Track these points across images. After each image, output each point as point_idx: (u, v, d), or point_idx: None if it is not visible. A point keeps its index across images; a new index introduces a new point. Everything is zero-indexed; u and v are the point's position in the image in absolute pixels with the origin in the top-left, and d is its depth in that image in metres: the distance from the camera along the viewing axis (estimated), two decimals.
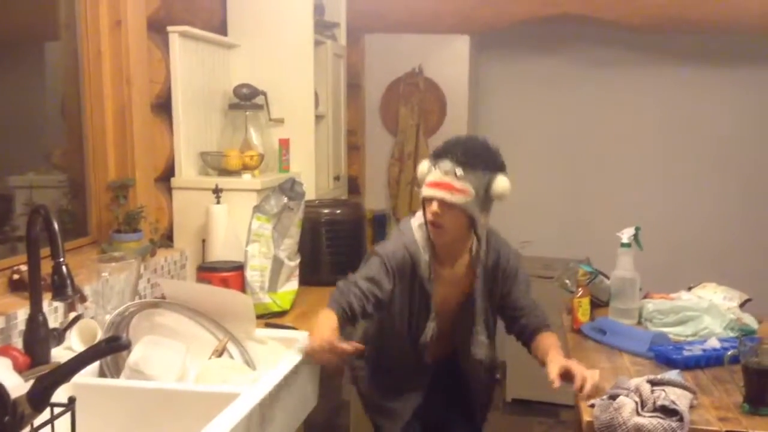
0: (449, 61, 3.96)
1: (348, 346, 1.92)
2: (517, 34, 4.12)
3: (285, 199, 2.45)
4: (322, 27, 3.46)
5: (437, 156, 2.01)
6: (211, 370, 1.92)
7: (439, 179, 1.98)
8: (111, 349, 1.24)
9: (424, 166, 2.06)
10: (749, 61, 4.18)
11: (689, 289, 2.60)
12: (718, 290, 2.49)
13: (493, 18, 3.88)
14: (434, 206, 2.00)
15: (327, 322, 2.00)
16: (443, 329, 2.20)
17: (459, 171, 1.95)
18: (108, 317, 2.04)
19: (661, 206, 4.19)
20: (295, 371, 2.00)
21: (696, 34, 4.02)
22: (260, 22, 3.15)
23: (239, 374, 1.92)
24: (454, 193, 1.96)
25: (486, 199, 2.00)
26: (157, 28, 2.64)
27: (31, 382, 1.14)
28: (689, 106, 4.26)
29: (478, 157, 1.98)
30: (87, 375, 1.83)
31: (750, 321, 2.29)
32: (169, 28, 2.68)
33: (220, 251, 2.67)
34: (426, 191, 2.02)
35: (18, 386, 1.42)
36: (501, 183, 1.99)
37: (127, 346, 1.26)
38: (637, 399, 1.66)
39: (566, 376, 1.88)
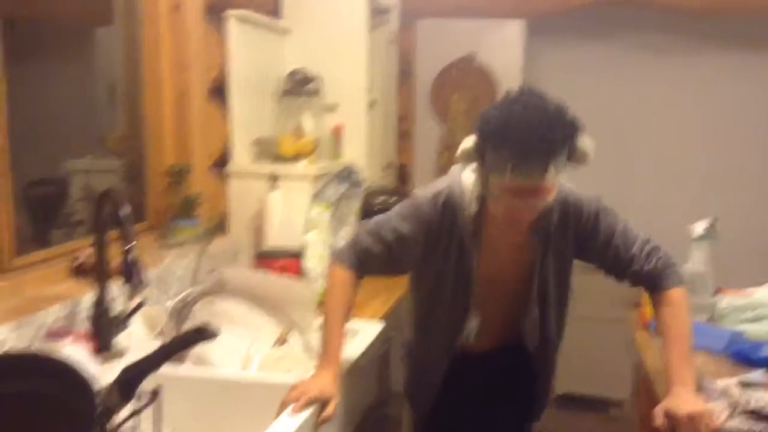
0: (502, 48, 3.85)
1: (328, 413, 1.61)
2: (574, 20, 4.00)
3: (344, 187, 2.41)
4: (375, 11, 3.39)
5: (513, 155, 1.52)
6: (274, 359, 1.88)
7: (523, 185, 1.54)
8: (200, 338, 1.20)
9: (495, 161, 1.55)
10: None
11: (761, 284, 2.50)
12: None
13: (550, 3, 3.78)
14: (521, 213, 1.63)
15: (329, 374, 1.66)
16: (495, 312, 1.85)
17: (548, 174, 1.53)
18: (169, 303, 2.02)
19: (722, 198, 4.03)
20: (358, 361, 1.96)
21: (761, 17, 3.86)
22: (314, 7, 3.11)
23: (302, 364, 1.88)
24: (546, 195, 1.57)
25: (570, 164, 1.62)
26: (214, 12, 2.60)
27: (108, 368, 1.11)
28: (753, 93, 4.09)
29: (556, 139, 1.53)
30: None
31: None
32: (227, 12, 2.64)
33: (276, 238, 2.63)
34: (511, 201, 1.58)
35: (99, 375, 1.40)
36: (586, 148, 1.60)
37: (215, 335, 1.22)
38: (728, 403, 1.58)
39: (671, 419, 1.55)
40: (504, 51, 3.84)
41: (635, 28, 4.06)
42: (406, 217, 1.75)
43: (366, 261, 1.79)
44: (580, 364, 3.77)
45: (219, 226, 2.64)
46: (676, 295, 1.72)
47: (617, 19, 4.04)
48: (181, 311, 1.97)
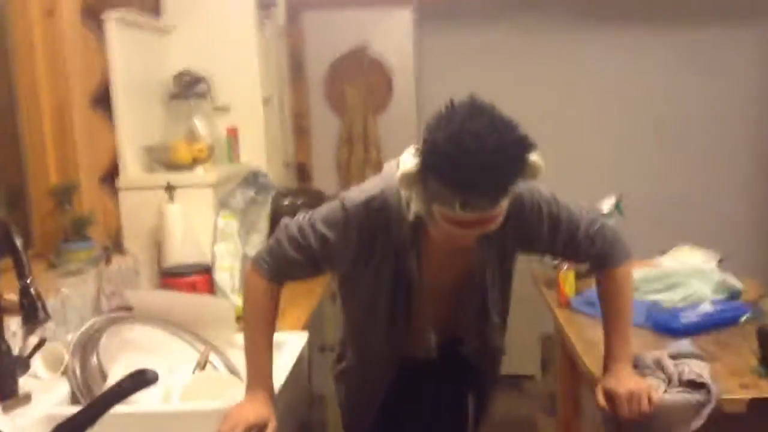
0: (393, 36, 3.82)
1: None
2: (459, 4, 4.02)
3: (251, 193, 2.29)
4: (261, 5, 3.26)
5: (463, 191, 1.39)
6: (198, 386, 1.76)
7: (472, 218, 1.43)
8: (140, 385, 1.07)
9: (443, 197, 1.41)
10: (700, 19, 4.21)
11: (662, 253, 2.59)
12: (695, 252, 2.48)
13: None
14: (464, 240, 1.55)
15: (262, 396, 1.58)
16: (438, 318, 1.78)
17: (499, 205, 1.45)
18: (70, 337, 1.85)
19: (618, 171, 4.18)
20: (289, 378, 1.87)
21: None
22: (197, 2, 2.95)
23: (229, 386, 1.77)
24: (494, 221, 1.48)
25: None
26: (92, 15, 2.41)
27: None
28: (649, 69, 4.26)
29: (509, 170, 1.43)
30: (58, 403, 1.65)
31: (734, 281, 2.29)
32: (105, 14, 2.44)
33: (179, 254, 2.47)
34: (453, 230, 1.47)
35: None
36: (535, 166, 1.51)
37: (156, 380, 1.09)
38: (663, 376, 1.61)
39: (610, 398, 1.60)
40: (395, 40, 3.82)
41: (521, 10, 4.12)
42: (333, 225, 1.59)
43: (288, 270, 1.64)
44: None
45: (116, 246, 2.46)
46: (619, 272, 1.71)
47: (503, 1, 4.09)
48: (85, 345, 1.79)
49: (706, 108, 4.31)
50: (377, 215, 1.59)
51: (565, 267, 2.30)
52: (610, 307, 1.70)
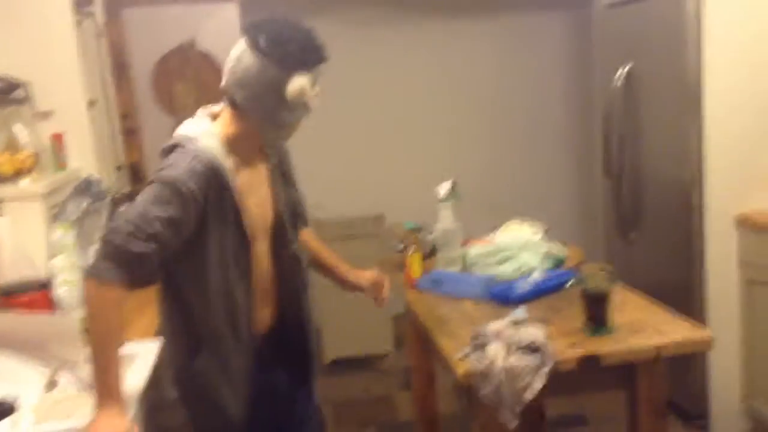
0: (220, 31, 3.76)
1: None
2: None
3: (86, 201, 2.20)
4: (78, 4, 3.10)
5: (316, 63, 1.68)
6: (49, 406, 1.68)
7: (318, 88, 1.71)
8: None
9: (304, 82, 1.65)
10: (507, 7, 4.51)
11: (494, 229, 2.78)
12: (524, 226, 2.68)
13: None
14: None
15: (116, 410, 1.53)
16: (262, 275, 1.81)
17: None
18: None
19: (451, 158, 4.40)
20: (146, 388, 1.84)
21: None
22: (6, 6, 2.75)
23: (81, 404, 1.71)
24: None
25: None
26: None
27: None
28: (456, 56, 4.50)
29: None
30: None
31: (558, 250, 2.51)
32: None
33: (10, 271, 2.33)
34: (315, 103, 1.70)
35: None
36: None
37: (11, 412, 1.04)
38: (502, 343, 1.75)
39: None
40: (223, 34, 3.74)
41: (346, 4, 4.21)
42: (169, 200, 1.56)
43: (140, 266, 1.54)
44: (342, 328, 3.93)
45: None
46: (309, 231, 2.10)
47: None
48: None
49: (521, 91, 4.65)
50: (206, 174, 1.61)
51: (412, 250, 2.42)
52: (326, 250, 2.14)
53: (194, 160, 1.62)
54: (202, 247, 1.67)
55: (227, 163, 1.68)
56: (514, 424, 1.74)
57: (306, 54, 1.67)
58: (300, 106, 1.68)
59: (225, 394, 1.77)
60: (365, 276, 2.14)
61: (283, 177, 1.90)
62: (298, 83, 1.64)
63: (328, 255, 2.15)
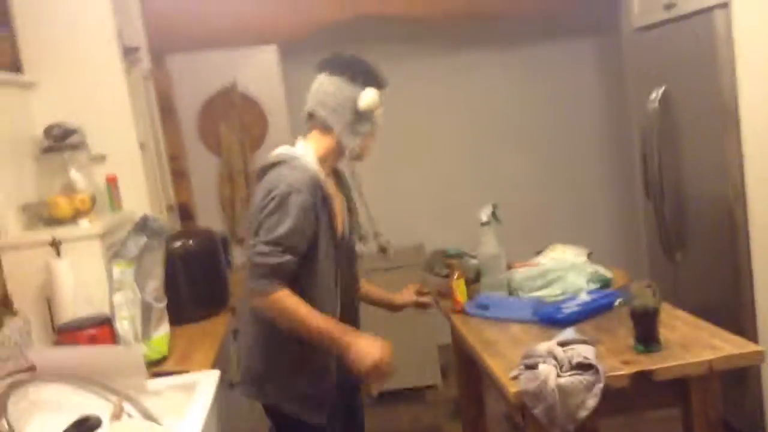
0: (261, 73, 3.90)
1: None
2: (320, 40, 4.15)
3: (144, 239, 2.29)
4: (125, 51, 3.25)
5: (381, 84, 2.10)
6: None
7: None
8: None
9: (373, 94, 2.06)
10: (531, 40, 4.58)
11: (537, 253, 2.80)
12: (566, 249, 2.71)
13: (296, 25, 3.90)
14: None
15: (359, 334, 1.99)
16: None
17: None
18: None
19: (485, 185, 4.45)
20: (207, 415, 1.89)
21: (483, 22, 4.34)
22: (60, 55, 2.89)
23: (150, 431, 1.77)
24: None
25: None
26: None
27: None
28: (487, 88, 4.58)
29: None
30: None
31: (604, 272, 2.53)
32: None
33: (71, 308, 2.42)
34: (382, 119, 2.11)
35: None
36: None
37: (99, 425, 1.11)
38: (554, 362, 1.77)
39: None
40: (263, 76, 3.90)
41: (376, 41, 4.32)
42: (289, 213, 1.91)
43: (283, 271, 1.93)
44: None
45: (5, 308, 2.37)
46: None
47: (357, 34, 4.27)
48: None
49: (555, 118, 4.69)
50: (310, 184, 1.96)
51: (456, 275, 2.45)
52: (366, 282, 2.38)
53: (304, 173, 1.97)
54: (315, 248, 2.00)
55: (322, 175, 2.02)
56: None
57: (372, 73, 2.07)
58: (371, 117, 2.06)
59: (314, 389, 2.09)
60: (407, 292, 2.50)
61: (348, 202, 2.22)
62: (368, 95, 2.03)
63: (373, 287, 2.42)
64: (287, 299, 1.92)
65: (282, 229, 1.91)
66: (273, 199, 1.93)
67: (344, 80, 2.03)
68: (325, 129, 2.06)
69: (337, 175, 2.21)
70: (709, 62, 2.96)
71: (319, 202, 1.98)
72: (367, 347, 1.92)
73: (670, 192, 3.41)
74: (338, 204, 2.12)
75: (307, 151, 2.05)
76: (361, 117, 2.04)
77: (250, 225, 2.01)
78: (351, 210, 2.22)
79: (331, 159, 2.10)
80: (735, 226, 2.96)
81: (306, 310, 1.93)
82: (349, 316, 2.15)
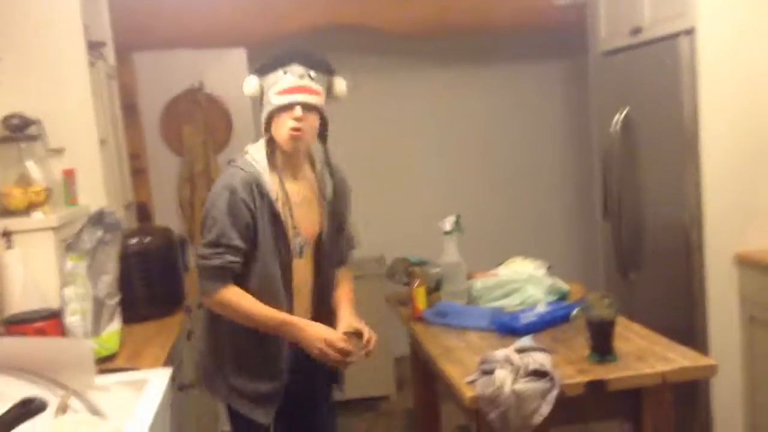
0: (227, 76, 3.86)
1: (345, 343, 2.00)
2: (285, 45, 4.16)
3: (99, 233, 2.24)
4: (90, 46, 3.20)
5: (282, 63, 2.00)
6: (62, 430, 1.69)
7: (294, 84, 1.98)
8: (27, 414, 1.04)
9: (249, 81, 2.06)
10: (502, 58, 4.64)
11: (498, 265, 2.82)
12: (527, 262, 2.73)
13: (268, 30, 3.88)
14: (297, 111, 1.98)
15: (307, 323, 2.02)
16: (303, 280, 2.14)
17: (312, 73, 2.01)
18: None
19: (447, 197, 4.45)
20: (156, 414, 1.84)
21: (455, 38, 4.37)
22: (23, 45, 2.83)
23: (95, 428, 1.72)
24: (312, 94, 2.01)
25: (328, 100, 2.12)
26: None
27: None
28: (455, 102, 4.62)
29: (321, 61, 2.06)
30: None
31: (562, 284, 2.55)
32: None
33: (21, 301, 2.35)
34: (285, 98, 1.98)
35: None
36: (341, 83, 2.12)
37: (44, 407, 1.07)
38: (511, 368, 1.77)
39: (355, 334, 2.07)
40: (230, 79, 3.86)
41: (352, 51, 4.32)
42: (219, 212, 1.96)
43: (226, 271, 1.98)
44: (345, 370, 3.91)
45: None
46: (350, 271, 2.31)
47: (334, 43, 4.26)
48: None
49: (521, 135, 4.75)
50: (246, 182, 1.98)
51: (417, 283, 2.45)
52: (345, 291, 2.22)
53: (241, 172, 2.00)
54: (254, 244, 2.01)
55: (266, 172, 2.01)
56: None
57: (267, 62, 2.05)
58: (264, 102, 2.04)
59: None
60: (341, 326, 2.11)
61: (332, 206, 2.17)
62: (246, 83, 2.08)
63: (342, 295, 2.23)
64: (231, 296, 1.98)
65: (216, 229, 1.96)
66: (209, 200, 2.01)
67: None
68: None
69: (313, 171, 2.19)
70: (673, 88, 3.03)
71: (257, 198, 1.99)
72: (315, 331, 1.98)
73: (627, 213, 3.46)
74: (297, 200, 2.09)
75: (257, 149, 2.07)
76: (262, 106, 2.05)
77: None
78: (332, 210, 2.17)
79: (283, 158, 2.08)
80: (690, 250, 3.02)
81: (249, 303, 1.98)
82: (321, 317, 2.13)
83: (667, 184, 3.16)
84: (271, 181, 2.02)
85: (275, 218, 2.02)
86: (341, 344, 1.97)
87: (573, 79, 4.70)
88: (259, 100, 2.06)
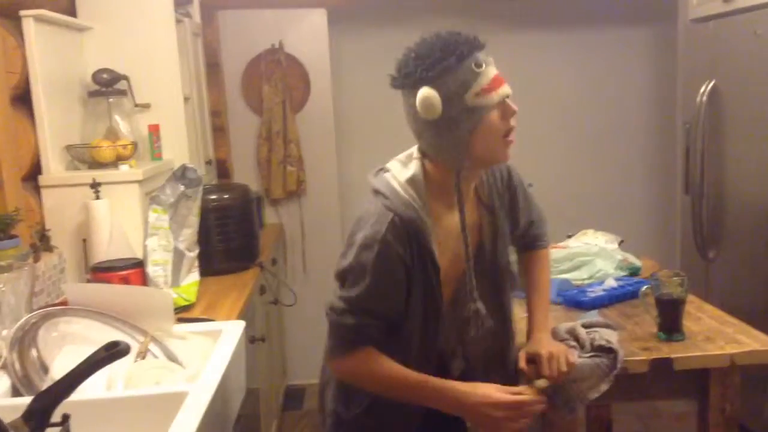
0: (308, 36, 3.91)
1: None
2: (371, 8, 4.15)
3: (181, 187, 2.33)
4: (177, 3, 3.28)
5: (463, 56, 1.52)
6: (140, 373, 1.80)
7: (494, 74, 1.56)
8: (112, 357, 1.13)
9: (454, 79, 1.51)
10: (589, 22, 4.51)
11: (569, 237, 2.79)
12: (598, 235, 2.69)
13: None
14: (513, 105, 1.57)
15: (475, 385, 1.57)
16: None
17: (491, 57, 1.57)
18: (6, 333, 1.85)
19: (521, 165, 4.41)
20: (229, 364, 1.94)
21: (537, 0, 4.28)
22: (113, 3, 2.94)
23: (171, 373, 1.82)
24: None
25: None
26: (7, 14, 2.38)
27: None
28: (541, 67, 4.52)
29: (471, 35, 1.60)
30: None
31: (634, 260, 2.51)
32: (22, 12, 2.42)
33: (106, 250, 2.48)
34: (493, 97, 1.54)
35: None
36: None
37: (128, 351, 1.15)
38: (575, 343, 1.77)
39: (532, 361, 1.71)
40: (310, 40, 3.90)
41: (429, 13, 4.28)
42: (373, 269, 1.52)
43: (359, 335, 1.57)
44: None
45: (44, 243, 2.44)
46: (545, 253, 1.90)
47: (411, 4, 4.24)
48: (22, 340, 1.81)
49: (603, 104, 4.61)
50: (402, 230, 1.53)
51: None
52: (536, 284, 1.85)
53: (386, 215, 1.54)
54: (404, 307, 1.60)
55: (427, 216, 1.57)
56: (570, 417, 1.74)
57: (433, 64, 1.56)
58: (460, 113, 1.53)
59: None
60: (548, 348, 1.70)
61: (507, 210, 1.75)
62: (421, 96, 1.52)
63: (535, 302, 1.84)
64: (364, 369, 1.59)
65: (358, 290, 1.54)
66: (355, 243, 1.55)
67: (404, 93, 1.57)
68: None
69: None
70: (764, 60, 2.89)
71: (415, 251, 1.55)
72: (480, 395, 1.54)
73: (710, 188, 3.36)
74: (458, 238, 1.62)
75: (409, 177, 1.59)
76: (433, 124, 1.52)
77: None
78: (495, 232, 1.70)
79: (438, 179, 1.61)
80: None
81: (389, 383, 1.57)
82: (496, 371, 1.74)
83: (753, 160, 3.04)
84: (430, 224, 1.57)
85: (434, 270, 1.59)
86: (507, 398, 1.54)
87: (660, 47, 4.52)
88: (428, 115, 1.51)
